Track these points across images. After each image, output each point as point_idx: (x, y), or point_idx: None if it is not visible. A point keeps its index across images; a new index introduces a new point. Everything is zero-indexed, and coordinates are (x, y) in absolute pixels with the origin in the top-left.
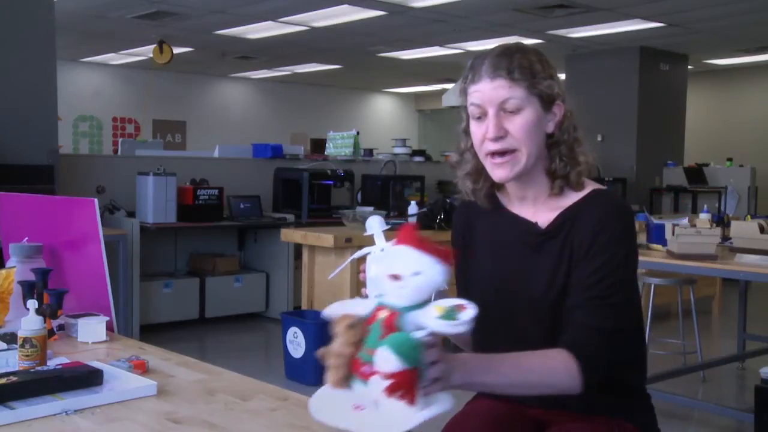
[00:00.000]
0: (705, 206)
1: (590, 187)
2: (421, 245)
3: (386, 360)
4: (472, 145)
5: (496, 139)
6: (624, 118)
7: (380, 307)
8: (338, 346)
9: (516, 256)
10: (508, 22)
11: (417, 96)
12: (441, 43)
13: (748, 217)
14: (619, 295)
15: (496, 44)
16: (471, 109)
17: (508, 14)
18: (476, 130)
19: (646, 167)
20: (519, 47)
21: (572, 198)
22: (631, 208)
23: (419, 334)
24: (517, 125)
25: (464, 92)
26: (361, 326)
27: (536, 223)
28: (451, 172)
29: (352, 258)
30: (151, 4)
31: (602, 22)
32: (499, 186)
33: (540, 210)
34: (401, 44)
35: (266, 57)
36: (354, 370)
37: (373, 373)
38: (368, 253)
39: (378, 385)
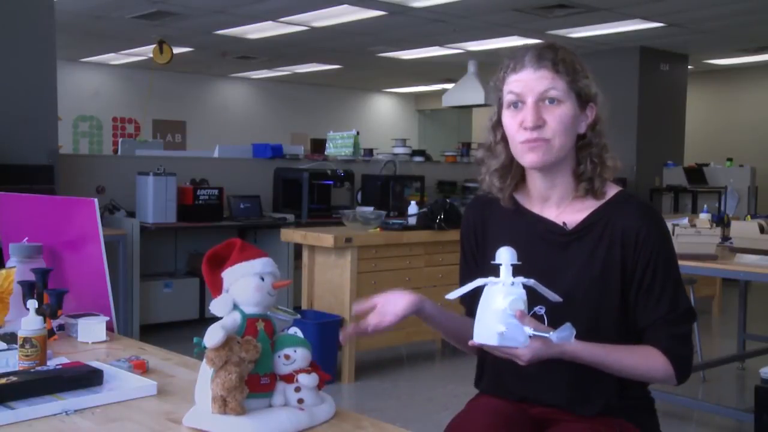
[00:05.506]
0: (705, 206)
1: (614, 188)
2: None
3: (306, 357)
4: (502, 138)
5: (534, 128)
6: (624, 118)
7: (254, 319)
8: (229, 377)
9: (540, 257)
10: (508, 22)
11: (417, 96)
12: (441, 43)
13: (748, 217)
14: (683, 298)
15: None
16: (508, 97)
17: (508, 14)
18: (511, 119)
19: (646, 167)
20: (560, 45)
21: (599, 200)
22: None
23: None
24: (555, 115)
25: (501, 82)
26: (232, 345)
27: (564, 223)
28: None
29: (476, 284)
30: (151, 4)
31: (602, 22)
32: (520, 187)
33: (565, 212)
34: (401, 44)
35: (266, 57)
36: (253, 389)
37: (288, 377)
38: (494, 283)
39: (307, 380)
